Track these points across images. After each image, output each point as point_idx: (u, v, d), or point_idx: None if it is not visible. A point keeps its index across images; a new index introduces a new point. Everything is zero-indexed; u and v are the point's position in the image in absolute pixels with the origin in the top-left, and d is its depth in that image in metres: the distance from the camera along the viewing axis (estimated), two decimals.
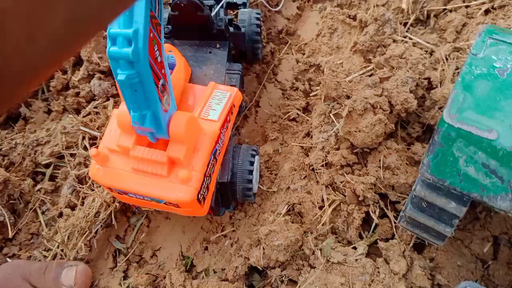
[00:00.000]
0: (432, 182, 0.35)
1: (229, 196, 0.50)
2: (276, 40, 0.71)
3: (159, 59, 0.36)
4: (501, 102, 0.33)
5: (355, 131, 0.50)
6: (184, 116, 0.40)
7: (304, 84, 0.65)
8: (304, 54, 0.68)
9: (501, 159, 0.32)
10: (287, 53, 0.69)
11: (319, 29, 0.68)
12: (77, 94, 0.63)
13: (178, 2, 0.52)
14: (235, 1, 0.60)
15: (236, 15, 0.66)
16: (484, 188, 0.33)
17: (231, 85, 0.53)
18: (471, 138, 0.32)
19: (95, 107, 0.61)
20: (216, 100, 0.48)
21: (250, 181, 0.50)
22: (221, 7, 0.58)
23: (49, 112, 0.65)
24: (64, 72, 0.66)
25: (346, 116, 0.51)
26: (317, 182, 0.53)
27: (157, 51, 0.35)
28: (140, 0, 0.33)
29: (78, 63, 0.68)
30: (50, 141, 0.61)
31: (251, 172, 0.50)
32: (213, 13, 0.56)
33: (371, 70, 0.58)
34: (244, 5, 0.61)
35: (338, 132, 0.52)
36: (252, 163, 0.50)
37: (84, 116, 0.61)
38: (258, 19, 0.61)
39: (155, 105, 0.36)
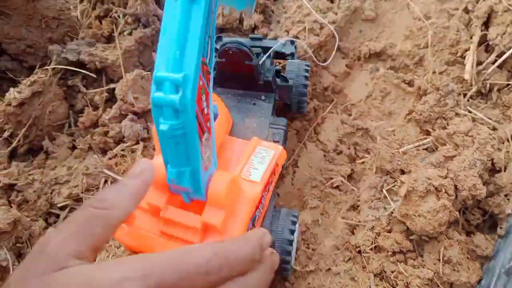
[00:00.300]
0: None
1: None
2: (320, 97, 0.66)
3: (205, 111, 0.31)
4: None
5: (414, 215, 0.44)
6: (226, 178, 0.35)
7: (349, 149, 0.60)
8: (350, 115, 0.63)
9: None
10: (332, 112, 0.64)
11: (369, 91, 0.64)
12: (106, 133, 0.59)
13: (227, 49, 0.48)
14: (283, 51, 0.57)
15: (284, 66, 0.62)
16: None
17: (275, 141, 0.49)
18: None
19: (123, 150, 0.57)
20: (259, 158, 0.43)
21: (289, 253, 0.45)
22: (268, 56, 0.54)
23: (73, 148, 0.61)
24: (95, 108, 0.62)
25: (404, 196, 0.45)
26: (364, 267, 0.46)
27: (205, 102, 0.31)
28: (194, 43, 0.29)
29: (110, 99, 0.65)
30: (70, 181, 0.56)
31: (291, 242, 0.44)
32: (260, 62, 0.52)
33: (429, 143, 0.52)
34: (292, 55, 0.58)
35: (393, 213, 0.46)
36: (292, 232, 0.45)
37: (110, 158, 0.56)
38: (306, 71, 0.58)
39: (196, 162, 0.31)
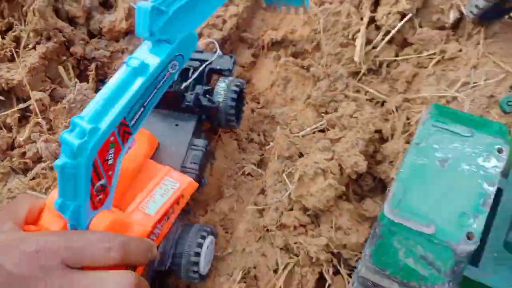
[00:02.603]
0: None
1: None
2: None
3: (110, 162, 0.36)
4: (440, 194, 0.35)
5: (307, 195, 0.51)
6: (106, 219, 0.38)
7: (259, 135, 0.65)
8: (259, 103, 0.68)
9: (438, 252, 0.33)
10: None
11: (273, 79, 0.69)
12: (24, 154, 0.60)
13: None
14: (219, 67, 0.58)
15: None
16: (422, 278, 0.34)
17: (192, 163, 0.52)
18: (410, 232, 0.33)
19: (43, 169, 0.59)
20: (162, 191, 0.46)
21: (197, 264, 0.48)
22: (196, 78, 0.56)
23: None
24: (9, 129, 0.63)
25: (298, 180, 0.51)
26: (271, 244, 0.53)
27: (112, 155, 0.36)
28: (120, 105, 0.35)
29: (24, 117, 0.65)
30: None
31: (198, 254, 0.48)
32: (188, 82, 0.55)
33: (323, 126, 0.59)
34: (229, 71, 0.59)
35: (291, 195, 0.53)
36: (200, 245, 0.48)
37: (31, 179, 0.58)
38: (235, 91, 0.57)
39: (82, 201, 0.35)
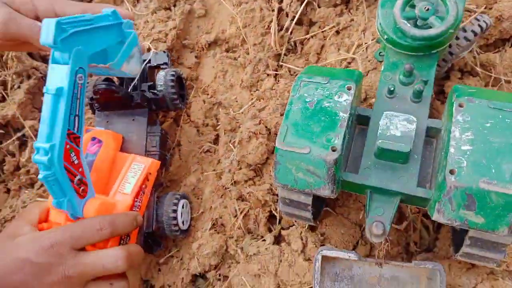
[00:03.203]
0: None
1: (158, 240, 0.66)
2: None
3: (76, 162, 0.49)
4: (311, 125, 0.50)
5: (247, 154, 0.67)
6: (95, 203, 0.51)
7: (212, 120, 0.81)
8: (208, 94, 0.84)
9: (315, 164, 0.48)
10: (195, 96, 0.85)
11: (215, 72, 0.84)
12: (28, 171, 0.76)
13: (97, 90, 0.65)
14: (156, 63, 0.73)
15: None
16: (311, 184, 0.49)
17: (152, 146, 0.67)
18: (295, 155, 0.49)
19: None
20: (133, 173, 0.61)
21: (176, 224, 0.65)
22: (140, 76, 0.70)
23: (8, 191, 0.78)
24: (13, 155, 0.79)
25: (238, 144, 0.67)
26: (230, 198, 0.69)
27: (74, 156, 0.48)
28: (60, 122, 0.46)
29: (23, 143, 0.81)
30: (15, 216, 0.74)
31: (175, 218, 0.64)
32: (134, 83, 0.69)
33: (255, 101, 0.75)
34: (166, 64, 0.73)
35: (236, 157, 0.68)
36: (175, 211, 0.64)
37: (38, 189, 0.74)
38: (172, 79, 0.70)
39: (71, 195, 0.49)
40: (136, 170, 0.62)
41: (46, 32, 0.44)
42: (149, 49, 0.80)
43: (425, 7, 0.53)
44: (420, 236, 0.64)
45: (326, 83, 0.52)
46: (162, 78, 0.71)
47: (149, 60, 0.73)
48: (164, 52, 0.75)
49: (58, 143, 0.46)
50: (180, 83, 0.75)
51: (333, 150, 0.48)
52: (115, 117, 0.70)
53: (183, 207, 0.67)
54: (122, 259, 0.50)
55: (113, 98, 0.66)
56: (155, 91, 0.71)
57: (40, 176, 0.46)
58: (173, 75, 0.72)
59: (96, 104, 0.69)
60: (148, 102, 0.69)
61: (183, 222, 0.67)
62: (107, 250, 0.51)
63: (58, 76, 0.46)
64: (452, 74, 0.70)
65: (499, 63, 0.71)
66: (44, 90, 0.46)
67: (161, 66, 0.74)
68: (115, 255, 0.50)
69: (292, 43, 0.83)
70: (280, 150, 0.50)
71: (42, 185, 0.75)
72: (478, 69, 0.70)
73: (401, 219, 0.65)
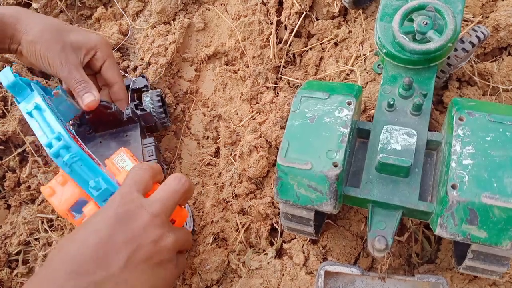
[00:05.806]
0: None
1: None
2: (184, 100, 0.86)
3: (85, 149, 0.54)
4: (312, 141, 0.50)
5: (248, 168, 0.67)
6: (125, 174, 0.55)
7: (212, 132, 0.81)
8: (208, 107, 0.84)
9: (317, 180, 0.49)
10: (195, 109, 0.85)
11: (215, 85, 0.85)
12: (29, 187, 0.76)
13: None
14: (137, 87, 0.76)
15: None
16: (313, 200, 0.49)
17: (149, 156, 0.68)
18: (296, 171, 0.49)
19: None
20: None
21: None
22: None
23: (9, 207, 0.78)
24: (13, 171, 0.79)
25: (239, 158, 0.67)
26: (231, 211, 0.69)
27: (82, 145, 0.53)
28: (53, 119, 0.53)
29: (23, 158, 0.81)
30: (16, 232, 0.73)
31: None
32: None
33: (255, 114, 0.75)
34: (146, 87, 0.77)
35: (237, 171, 0.68)
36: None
37: (38, 205, 0.74)
38: (158, 100, 0.75)
39: (101, 173, 0.53)
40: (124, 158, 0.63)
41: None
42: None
43: (423, 22, 0.53)
44: (421, 247, 0.64)
45: (326, 98, 0.52)
46: (149, 99, 0.75)
47: (128, 85, 0.77)
48: (143, 76, 0.79)
49: (62, 130, 0.51)
50: (163, 101, 0.79)
51: (335, 166, 0.48)
52: (107, 136, 0.72)
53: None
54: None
55: (105, 115, 0.67)
56: (143, 107, 0.74)
57: (65, 159, 0.50)
58: (158, 95, 0.76)
59: (87, 127, 0.71)
60: (137, 117, 0.72)
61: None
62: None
63: (30, 100, 0.56)
64: (450, 84, 0.70)
65: (497, 72, 0.71)
66: (25, 113, 0.54)
67: (142, 89, 0.78)
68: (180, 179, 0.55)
69: (291, 56, 0.83)
70: (282, 166, 0.50)
71: (43, 201, 0.75)
72: (476, 78, 0.71)
73: (402, 231, 0.65)
